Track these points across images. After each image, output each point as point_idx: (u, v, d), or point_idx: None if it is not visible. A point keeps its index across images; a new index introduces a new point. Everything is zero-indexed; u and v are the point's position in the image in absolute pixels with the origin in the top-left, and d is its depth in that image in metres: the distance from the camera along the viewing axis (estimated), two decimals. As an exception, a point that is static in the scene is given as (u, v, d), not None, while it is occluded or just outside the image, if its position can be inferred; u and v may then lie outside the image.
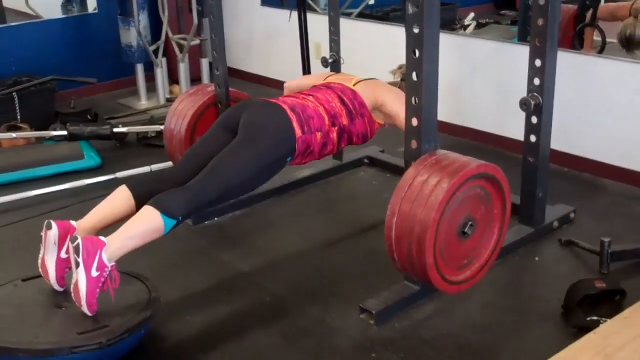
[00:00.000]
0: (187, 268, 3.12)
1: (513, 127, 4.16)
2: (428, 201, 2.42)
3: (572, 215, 3.34)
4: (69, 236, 2.51)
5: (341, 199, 3.86)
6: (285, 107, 2.87)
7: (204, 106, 3.44)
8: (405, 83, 3.22)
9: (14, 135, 4.30)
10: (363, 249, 3.20)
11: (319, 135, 2.90)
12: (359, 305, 2.67)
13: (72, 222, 2.58)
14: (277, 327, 2.66)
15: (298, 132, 2.82)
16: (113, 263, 2.42)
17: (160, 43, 5.29)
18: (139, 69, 5.37)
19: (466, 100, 4.46)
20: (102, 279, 2.40)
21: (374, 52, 4.81)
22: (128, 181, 2.75)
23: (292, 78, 3.55)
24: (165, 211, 2.48)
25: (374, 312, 2.63)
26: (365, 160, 4.11)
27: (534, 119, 3.04)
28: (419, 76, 2.47)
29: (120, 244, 2.43)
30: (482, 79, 4.31)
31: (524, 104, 3.00)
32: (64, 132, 4.30)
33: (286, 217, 3.59)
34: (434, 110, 2.55)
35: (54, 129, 4.37)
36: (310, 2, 5.90)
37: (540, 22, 2.92)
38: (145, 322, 2.44)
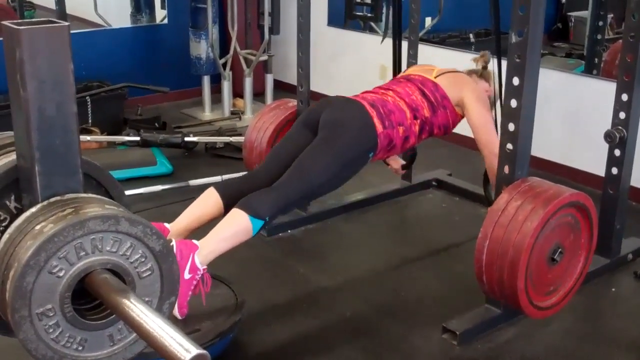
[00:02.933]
0: (266, 277, 3.18)
1: (583, 159, 4.21)
2: (523, 227, 2.45)
3: (646, 248, 3.37)
4: (163, 238, 2.58)
5: (412, 220, 3.91)
6: (365, 103, 2.90)
7: (285, 120, 3.50)
8: (485, 72, 3.29)
9: (88, 138, 4.39)
10: (438, 270, 3.24)
11: (401, 129, 2.93)
12: (441, 325, 2.71)
13: (166, 224, 2.65)
14: (360, 342, 2.70)
15: (379, 127, 2.85)
16: (205, 267, 2.48)
17: (229, 57, 5.38)
18: (206, 80, 5.47)
19: (535, 128, 4.48)
20: (195, 282, 2.46)
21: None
22: (215, 185, 2.81)
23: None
24: (252, 212, 2.54)
25: (457, 332, 2.66)
26: (434, 183, 4.15)
27: (617, 152, 3.07)
28: (518, 103, 2.52)
29: (212, 247, 2.49)
30: (550, 108, 4.35)
31: (608, 136, 3.03)
32: (137, 138, 4.39)
33: (358, 234, 3.64)
34: (529, 137, 2.60)
35: (127, 135, 4.47)
36: (373, 25, 6.02)
37: (629, 58, 2.96)
38: (234, 327, 2.49)
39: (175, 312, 2.42)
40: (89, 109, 4.80)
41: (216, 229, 2.55)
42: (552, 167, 4.35)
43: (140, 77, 5.41)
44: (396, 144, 2.95)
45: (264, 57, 5.41)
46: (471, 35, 6.60)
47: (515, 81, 2.51)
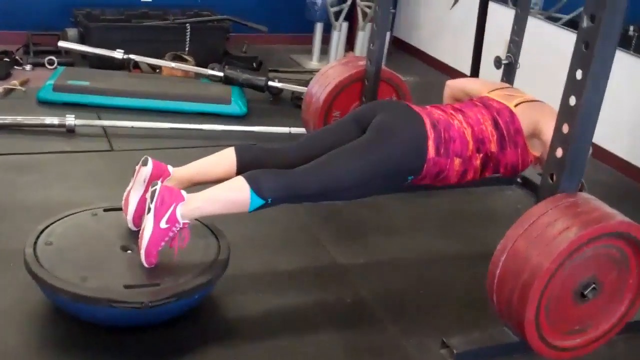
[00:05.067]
0: (282, 242, 2.93)
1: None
2: (547, 247, 2.03)
3: None
4: (161, 179, 2.39)
5: (475, 215, 3.47)
6: (427, 120, 2.54)
7: (349, 80, 3.22)
8: None
9: (173, 65, 4.27)
10: (476, 275, 2.80)
11: (457, 161, 2.57)
12: (442, 337, 2.34)
13: (170, 167, 2.45)
14: (345, 335, 2.39)
15: (431, 152, 2.50)
16: (187, 221, 2.25)
17: (344, 6, 5.08)
18: (318, 28, 5.21)
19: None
20: (171, 234, 2.24)
21: (559, 65, 4.30)
22: (237, 146, 2.54)
23: (461, 67, 3.17)
24: (256, 188, 2.26)
25: (455, 351, 2.28)
26: (519, 180, 3.68)
27: None
28: (577, 101, 2.07)
29: (199, 204, 2.25)
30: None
31: None
32: (220, 74, 4.22)
33: (407, 218, 3.28)
34: (586, 144, 2.14)
35: (212, 68, 4.31)
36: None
37: None
38: (200, 289, 2.25)
39: (143, 258, 2.22)
40: (187, 37, 4.68)
41: (213, 188, 2.31)
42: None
43: (257, 15, 5.24)
44: (448, 175, 2.59)
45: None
46: (632, 28, 5.82)
47: (578, 74, 2.06)
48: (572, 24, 4.90)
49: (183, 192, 2.25)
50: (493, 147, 2.62)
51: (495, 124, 2.64)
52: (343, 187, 2.44)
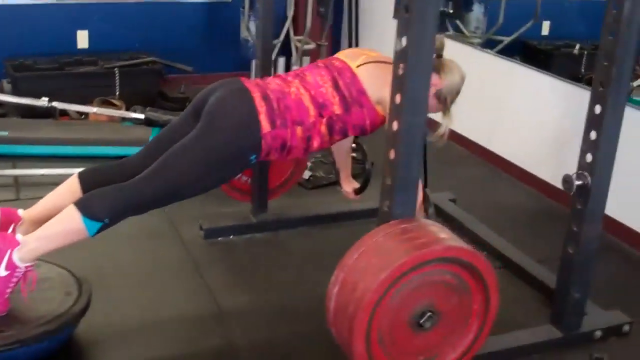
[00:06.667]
0: (162, 282, 2.89)
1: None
2: (371, 277, 1.98)
3: (626, 327, 2.69)
4: (12, 225, 2.38)
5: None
6: (257, 94, 2.42)
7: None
8: (437, 61, 2.53)
9: (94, 110, 4.28)
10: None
11: (298, 129, 2.44)
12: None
13: (20, 211, 2.43)
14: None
15: (266, 126, 2.38)
16: (29, 264, 2.23)
17: (277, 42, 5.08)
18: (254, 65, 5.19)
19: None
20: (14, 279, 2.22)
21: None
22: (82, 171, 2.50)
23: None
24: (87, 213, 2.22)
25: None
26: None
27: (579, 204, 2.45)
28: (399, 126, 2.03)
29: (35, 245, 2.23)
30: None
31: (565, 182, 2.43)
32: (142, 116, 4.23)
33: (304, 254, 3.20)
34: (413, 169, 2.10)
35: (134, 111, 4.32)
36: (460, 24, 5.47)
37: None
38: (47, 336, 2.22)
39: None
40: (117, 81, 4.70)
41: (46, 225, 2.27)
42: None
43: (199, 55, 5.27)
44: (293, 146, 2.47)
45: (311, 46, 5.05)
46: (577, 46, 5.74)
47: (397, 99, 2.02)
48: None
49: (18, 236, 2.23)
50: (337, 109, 2.48)
51: (336, 85, 2.51)
52: (183, 186, 2.36)
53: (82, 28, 5.11)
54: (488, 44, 5.46)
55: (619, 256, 3.36)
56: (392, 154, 2.07)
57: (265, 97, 2.42)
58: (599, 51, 2.30)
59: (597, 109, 2.34)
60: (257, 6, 4.68)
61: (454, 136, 4.63)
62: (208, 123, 2.38)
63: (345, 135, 2.57)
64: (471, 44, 4.81)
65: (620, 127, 2.36)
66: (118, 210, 2.28)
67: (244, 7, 5.09)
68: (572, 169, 2.44)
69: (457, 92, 2.59)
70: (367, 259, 2.03)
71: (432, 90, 2.49)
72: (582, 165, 2.42)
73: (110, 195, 2.29)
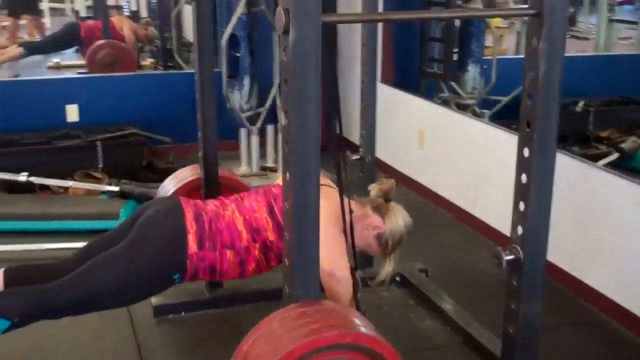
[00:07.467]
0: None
1: (594, 274, 3.31)
2: (258, 368, 1.85)
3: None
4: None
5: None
6: (189, 214, 2.45)
7: (187, 188, 3.12)
8: (384, 205, 2.62)
9: (70, 184, 4.30)
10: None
11: (229, 253, 2.45)
12: None
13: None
14: None
15: (193, 247, 2.39)
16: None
17: (262, 110, 5.05)
18: (242, 133, 5.19)
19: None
20: None
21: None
22: (9, 268, 2.49)
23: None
24: None
25: None
26: (397, 279, 3.47)
27: (514, 281, 2.28)
28: (290, 203, 1.92)
29: None
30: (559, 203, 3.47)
31: (495, 257, 2.26)
32: (116, 189, 4.21)
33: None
34: (311, 248, 1.97)
35: (110, 184, 4.31)
36: (454, 86, 5.39)
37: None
38: None
39: None
40: (99, 154, 4.71)
41: None
42: (562, 277, 3.47)
43: (187, 126, 5.22)
44: (225, 270, 2.47)
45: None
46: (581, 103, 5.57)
47: (287, 176, 1.92)
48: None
49: None
50: (270, 235, 2.47)
51: (270, 211, 2.50)
52: (102, 295, 2.35)
53: (72, 102, 5.18)
54: (485, 105, 5.37)
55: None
56: (287, 234, 1.96)
57: (198, 218, 2.44)
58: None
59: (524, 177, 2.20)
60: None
61: (440, 200, 4.51)
62: (136, 236, 2.41)
63: (281, 262, 2.51)
64: (462, 111, 4.74)
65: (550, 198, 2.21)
66: (31, 311, 2.27)
67: (229, 77, 5.08)
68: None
69: (400, 238, 2.58)
70: (260, 345, 1.91)
71: (374, 233, 2.55)
72: (513, 238, 2.26)
73: (28, 296, 2.28)
